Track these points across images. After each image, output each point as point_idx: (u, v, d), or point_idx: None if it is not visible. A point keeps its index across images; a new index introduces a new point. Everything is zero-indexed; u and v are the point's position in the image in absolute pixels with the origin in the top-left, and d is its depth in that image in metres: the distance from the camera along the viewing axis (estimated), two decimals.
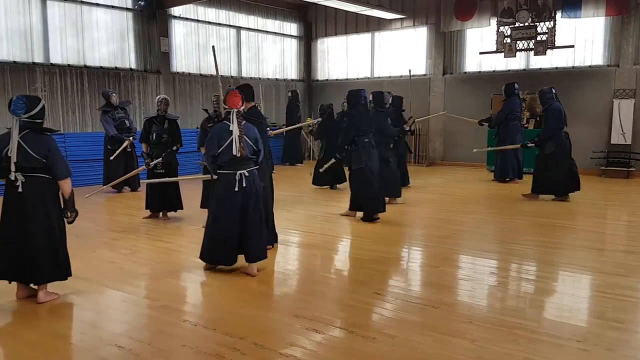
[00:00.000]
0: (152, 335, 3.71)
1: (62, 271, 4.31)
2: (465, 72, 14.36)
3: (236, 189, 4.81)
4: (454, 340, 3.57)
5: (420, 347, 3.47)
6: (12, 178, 4.10)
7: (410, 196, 9.21)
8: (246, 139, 4.84)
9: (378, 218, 7.33)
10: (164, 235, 6.63)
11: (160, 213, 7.61)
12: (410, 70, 11.82)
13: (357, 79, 16.00)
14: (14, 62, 10.64)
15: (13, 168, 4.08)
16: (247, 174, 4.87)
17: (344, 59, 16.51)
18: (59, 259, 4.26)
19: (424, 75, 14.74)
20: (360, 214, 7.48)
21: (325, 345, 3.53)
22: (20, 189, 4.09)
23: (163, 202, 7.45)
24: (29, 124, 4.14)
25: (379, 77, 15.64)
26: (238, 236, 4.91)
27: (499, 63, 13.56)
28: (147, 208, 7.58)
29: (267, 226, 5.41)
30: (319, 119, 10.59)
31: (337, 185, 10.30)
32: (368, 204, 7.30)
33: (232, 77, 14.77)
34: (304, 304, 4.28)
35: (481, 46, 13.78)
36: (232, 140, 4.78)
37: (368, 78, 15.83)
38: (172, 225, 7.21)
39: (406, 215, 7.98)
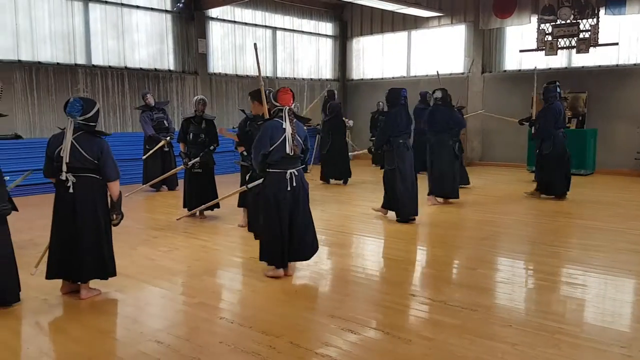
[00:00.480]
0: (190, 331, 3.76)
1: (106, 270, 4.41)
2: (505, 71, 14.08)
3: (288, 188, 4.74)
4: (493, 344, 3.50)
5: (459, 351, 3.42)
6: (63, 178, 4.21)
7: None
8: (297, 137, 4.76)
9: (414, 219, 7.26)
10: (201, 233, 6.73)
11: (197, 212, 7.73)
12: (438, 72, 11.90)
13: (393, 78, 15.90)
14: (57, 63, 10.99)
15: (64, 168, 4.19)
16: (296, 172, 4.79)
17: (379, 58, 16.43)
18: (103, 258, 4.36)
19: (462, 73, 14.53)
20: (392, 213, 7.43)
21: (360, 346, 3.52)
22: (71, 190, 4.20)
23: (200, 201, 7.56)
24: (83, 126, 4.24)
25: (415, 76, 15.49)
26: (289, 236, 4.80)
27: (540, 61, 13.25)
28: (184, 207, 7.71)
29: None
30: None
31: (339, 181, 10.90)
32: (398, 206, 7.24)
33: (267, 77, 14.88)
34: (339, 304, 4.27)
35: (521, 44, 13.49)
36: (284, 138, 4.67)
37: (404, 77, 15.71)
38: (208, 224, 7.31)
39: (443, 215, 7.87)
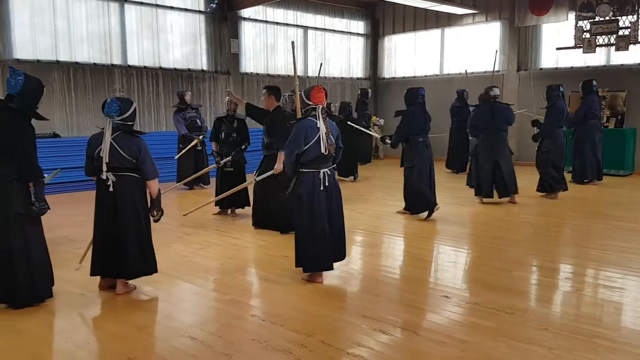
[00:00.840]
0: (222, 327, 3.79)
1: (149, 267, 4.49)
2: (542, 69, 13.78)
3: (322, 188, 4.63)
4: (529, 348, 3.42)
5: (494, 354, 3.35)
6: (104, 177, 4.28)
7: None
8: (331, 136, 4.67)
9: (430, 213, 7.37)
10: (233, 231, 6.78)
11: (229, 210, 7.80)
12: (466, 70, 11.69)
13: (426, 76, 15.73)
14: (94, 64, 11.25)
15: (104, 168, 4.26)
16: (329, 172, 4.71)
17: (411, 56, 16.27)
18: (146, 255, 4.45)
19: (497, 71, 14.26)
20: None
21: (392, 346, 3.48)
22: (111, 188, 4.28)
23: (231, 199, 7.62)
24: (121, 126, 4.32)
25: (448, 74, 15.29)
26: (330, 236, 4.67)
27: (577, 59, 12.91)
28: (216, 205, 7.79)
29: None
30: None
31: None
32: (412, 201, 7.39)
33: (298, 76, 14.89)
34: (370, 304, 4.24)
35: (558, 41, 13.16)
36: (319, 137, 4.58)
37: (437, 75, 15.52)
38: (240, 222, 7.37)
39: (479, 216, 7.75)
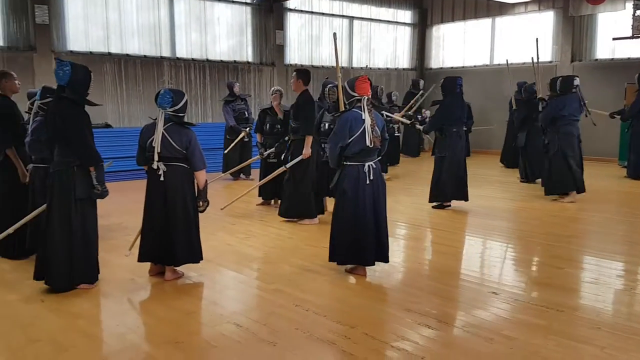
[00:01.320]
0: (266, 316, 3.83)
1: (196, 255, 4.58)
2: (597, 59, 13.24)
3: (367, 182, 4.52)
4: (580, 347, 3.31)
5: (543, 352, 3.25)
6: (155, 167, 4.38)
7: (533, 192, 8.69)
8: (376, 128, 4.54)
9: (449, 205, 7.38)
10: (276, 222, 6.83)
11: (272, 200, 7.86)
12: (507, 60, 11.31)
13: (475, 66, 15.38)
14: (144, 56, 11.52)
15: (156, 158, 4.36)
16: (374, 165, 4.60)
17: (460, 46, 15.93)
18: (193, 244, 4.54)
19: (550, 62, 13.81)
20: (460, 203, 7.45)
21: (438, 341, 3.43)
22: (162, 178, 4.37)
23: (275, 190, 7.68)
24: (173, 117, 4.41)
25: (498, 65, 14.87)
26: (374, 231, 4.56)
27: (635, 49, 12.31)
28: (259, 196, 7.86)
29: None
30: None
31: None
32: (438, 189, 7.34)
33: (342, 67, 14.83)
34: (415, 298, 4.19)
35: (614, 31, 12.59)
36: (364, 129, 4.45)
37: (487, 65, 15.15)
38: None
39: (528, 212, 7.55)
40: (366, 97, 4.53)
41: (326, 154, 6.81)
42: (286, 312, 3.91)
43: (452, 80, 7.28)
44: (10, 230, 4.88)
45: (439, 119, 7.30)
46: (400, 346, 3.34)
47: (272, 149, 7.52)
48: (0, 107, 5.18)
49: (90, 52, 10.82)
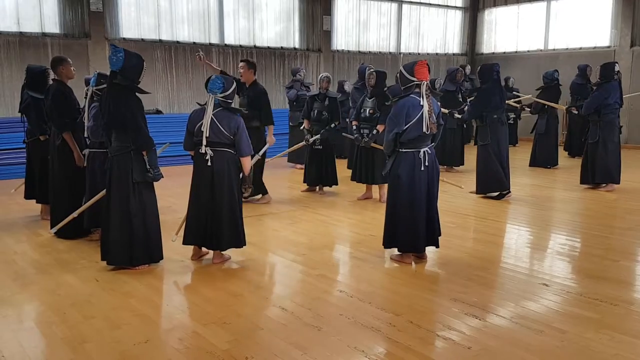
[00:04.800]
0: (311, 301, 3.85)
1: (240, 239, 4.65)
2: None
3: (422, 168, 4.47)
4: (635, 342, 3.19)
5: (595, 346, 3.14)
6: (203, 152, 4.45)
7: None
8: (433, 114, 4.46)
9: (509, 193, 7.22)
10: (321, 208, 6.85)
11: (317, 187, 7.88)
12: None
13: (528, 51, 14.88)
14: (194, 42, 11.70)
15: (205, 142, 4.43)
16: (429, 151, 4.54)
17: (514, 30, 15.43)
18: (238, 228, 4.61)
19: (608, 47, 13.20)
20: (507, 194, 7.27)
21: (485, 332, 3.36)
22: (209, 163, 4.44)
23: (320, 177, 7.69)
24: (222, 103, 4.47)
25: (554, 50, 14.36)
26: (425, 219, 4.54)
27: None
28: (304, 182, 7.89)
29: None
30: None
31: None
32: (482, 180, 7.23)
33: (390, 53, 14.65)
34: (462, 288, 4.11)
35: None
36: (421, 115, 4.38)
37: (541, 50, 14.63)
38: (327, 199, 7.42)
39: (582, 202, 7.28)
40: (425, 83, 4.44)
41: (364, 138, 6.88)
42: (330, 298, 3.93)
43: (490, 67, 7.20)
44: (75, 214, 5.09)
45: (477, 106, 7.20)
46: (446, 335, 3.29)
47: (317, 136, 7.52)
48: (57, 92, 5.38)
49: (142, 39, 11.08)
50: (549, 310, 3.70)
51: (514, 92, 11.75)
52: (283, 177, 9.37)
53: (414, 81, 4.46)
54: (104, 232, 4.44)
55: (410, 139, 4.45)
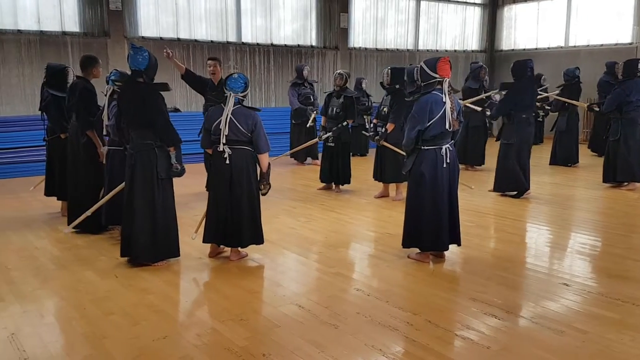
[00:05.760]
0: (327, 299, 3.84)
1: (259, 236, 4.66)
2: None
3: (444, 165, 4.43)
4: None
5: (617, 347, 3.08)
6: (221, 150, 4.45)
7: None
8: (454, 111, 4.42)
9: (528, 191, 7.12)
10: (337, 206, 6.83)
11: (333, 185, 7.86)
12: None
13: (549, 48, 14.68)
14: (211, 41, 11.75)
15: (223, 140, 4.43)
16: (450, 148, 4.50)
17: (533, 26, 15.22)
18: (257, 225, 4.63)
19: (630, 44, 12.96)
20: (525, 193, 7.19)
21: (504, 332, 3.32)
22: (227, 161, 4.44)
23: (335, 175, 7.67)
24: (241, 100, 4.49)
25: (574, 47, 14.14)
26: (448, 216, 4.50)
27: None
28: (321, 181, 7.87)
29: None
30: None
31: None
32: (501, 179, 7.13)
33: (407, 50, 14.56)
34: (481, 287, 4.07)
35: None
36: (444, 112, 4.35)
37: (561, 47, 14.42)
38: (343, 197, 7.40)
39: (603, 201, 7.17)
40: (447, 80, 4.40)
41: (376, 136, 6.84)
42: (347, 296, 3.92)
43: (523, 64, 6.97)
44: (89, 212, 5.14)
45: (507, 104, 6.97)
46: (464, 335, 3.26)
47: (330, 133, 7.49)
48: (85, 90, 5.46)
49: (161, 38, 11.15)
50: (569, 310, 3.65)
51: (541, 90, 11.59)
52: (299, 174, 9.38)
53: (436, 78, 4.41)
54: (126, 228, 4.48)
55: (433, 136, 4.41)
